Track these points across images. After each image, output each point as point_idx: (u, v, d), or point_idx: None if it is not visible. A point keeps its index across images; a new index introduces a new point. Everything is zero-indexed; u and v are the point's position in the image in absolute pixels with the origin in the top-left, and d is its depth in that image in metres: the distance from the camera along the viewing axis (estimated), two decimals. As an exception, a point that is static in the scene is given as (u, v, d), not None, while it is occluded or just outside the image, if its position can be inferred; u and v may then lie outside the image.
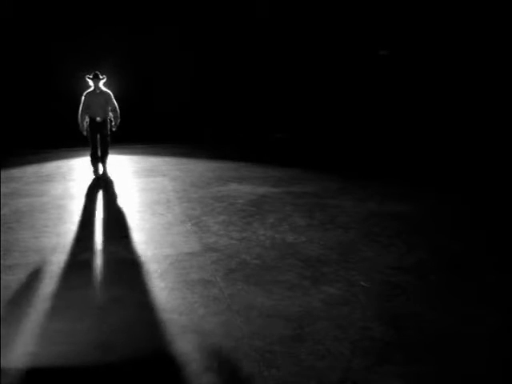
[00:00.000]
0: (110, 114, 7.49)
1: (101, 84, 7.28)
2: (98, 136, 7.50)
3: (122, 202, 6.03)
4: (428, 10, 12.62)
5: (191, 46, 14.26)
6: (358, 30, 13.83)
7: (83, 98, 7.29)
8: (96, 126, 7.38)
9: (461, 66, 12.38)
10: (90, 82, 7.27)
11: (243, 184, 7.07)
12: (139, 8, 13.50)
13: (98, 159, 7.60)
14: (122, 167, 8.69)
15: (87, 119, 7.43)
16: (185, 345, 2.64)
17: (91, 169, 7.72)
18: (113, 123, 7.53)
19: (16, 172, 8.24)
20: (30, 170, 8.43)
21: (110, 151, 7.88)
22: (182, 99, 14.28)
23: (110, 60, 10.99)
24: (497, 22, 11.54)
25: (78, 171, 8.26)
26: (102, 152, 7.66)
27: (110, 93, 7.40)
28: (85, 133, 7.39)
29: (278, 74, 14.50)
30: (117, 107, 7.45)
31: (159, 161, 9.54)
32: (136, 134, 11.84)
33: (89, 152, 7.71)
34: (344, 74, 14.25)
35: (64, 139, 11.45)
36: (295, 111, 14.40)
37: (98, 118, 7.33)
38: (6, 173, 8.08)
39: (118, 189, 6.88)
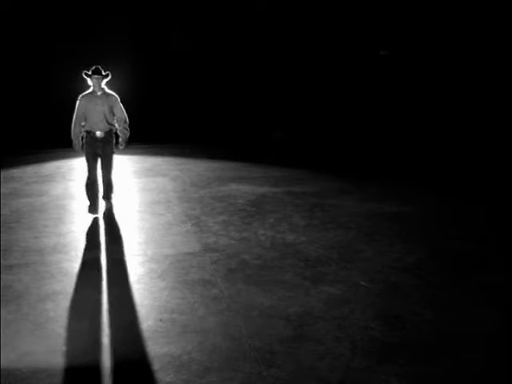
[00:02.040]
0: (116, 125, 5.39)
1: (103, 83, 5.22)
2: (99, 158, 5.35)
3: (122, 202, 6.02)
4: (428, 10, 12.62)
5: (190, 44, 14.24)
6: (358, 29, 13.82)
7: (78, 102, 5.24)
8: (95, 145, 5.22)
9: (461, 65, 12.38)
10: (89, 81, 5.19)
11: (243, 184, 7.07)
12: (139, 8, 13.50)
13: (97, 190, 5.43)
14: (122, 167, 8.69)
15: (84, 133, 5.31)
16: (185, 344, 2.64)
17: (86, 203, 5.41)
18: (120, 139, 5.40)
19: (16, 172, 8.24)
20: (30, 170, 8.43)
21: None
22: (181, 99, 14.27)
23: (110, 58, 10.97)
24: (497, 22, 11.54)
25: (77, 171, 8.26)
26: (104, 181, 5.47)
27: (117, 96, 5.33)
28: (80, 151, 5.36)
29: (277, 73, 14.49)
30: (126, 117, 5.37)
31: (159, 161, 9.54)
32: (135, 133, 11.82)
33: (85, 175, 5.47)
34: (344, 74, 14.25)
35: (64, 139, 11.43)
36: (295, 111, 14.39)
37: (99, 133, 5.20)
38: (5, 173, 8.08)
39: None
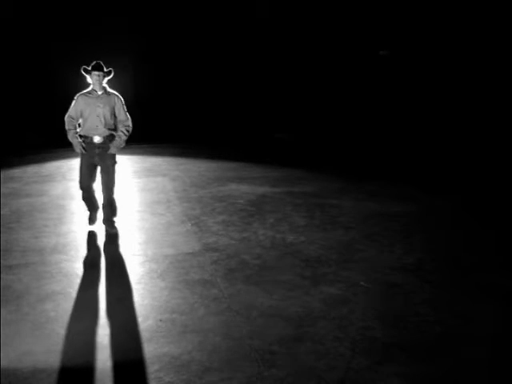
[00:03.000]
0: (118, 129, 4.60)
1: (105, 81, 4.52)
2: (95, 169, 4.61)
3: (122, 202, 6.02)
4: (428, 10, 12.62)
5: (191, 45, 14.26)
6: (358, 30, 13.83)
7: (74, 102, 4.51)
8: (92, 152, 4.49)
9: (461, 65, 12.38)
10: (89, 78, 4.46)
11: (243, 184, 7.06)
12: (140, 9, 13.50)
13: (96, 202, 4.78)
14: (122, 167, 8.69)
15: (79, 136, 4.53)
16: (185, 344, 2.64)
17: (86, 213, 4.89)
18: (114, 140, 4.54)
19: (16, 172, 8.24)
20: (30, 170, 8.43)
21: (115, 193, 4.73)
22: (182, 99, 14.28)
23: (110, 57, 10.95)
24: (497, 21, 11.54)
25: (78, 171, 8.25)
26: (104, 200, 4.67)
27: (120, 96, 4.62)
28: (79, 150, 4.52)
29: (277, 74, 14.49)
30: (129, 119, 4.62)
31: (159, 161, 9.53)
32: (135, 133, 11.81)
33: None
34: (344, 75, 14.25)
35: (64, 139, 11.43)
36: (295, 111, 14.40)
37: (98, 138, 4.46)
38: (5, 173, 8.08)
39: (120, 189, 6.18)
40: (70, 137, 4.52)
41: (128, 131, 4.61)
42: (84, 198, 4.70)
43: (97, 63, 4.44)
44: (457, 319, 2.94)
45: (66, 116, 4.51)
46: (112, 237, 4.59)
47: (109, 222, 4.74)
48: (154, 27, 13.76)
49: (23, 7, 12.77)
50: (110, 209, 4.71)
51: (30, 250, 4.22)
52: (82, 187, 4.62)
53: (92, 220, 4.84)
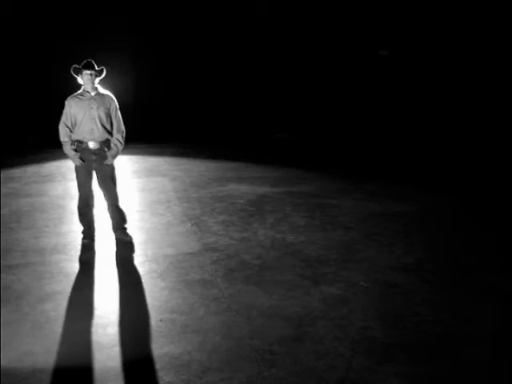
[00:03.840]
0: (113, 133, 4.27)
1: (97, 81, 4.17)
2: (93, 175, 4.32)
3: (122, 202, 6.02)
4: (428, 10, 12.62)
5: (191, 45, 14.26)
6: (358, 29, 13.83)
7: (65, 105, 4.17)
8: (88, 159, 4.21)
9: (461, 65, 12.38)
10: (79, 79, 4.14)
11: (243, 184, 7.06)
12: (140, 8, 13.51)
13: (92, 215, 4.43)
14: (122, 167, 8.68)
15: (74, 144, 4.22)
16: (185, 344, 2.64)
17: (81, 228, 4.52)
18: (109, 152, 4.23)
19: (16, 172, 8.24)
20: (30, 170, 8.42)
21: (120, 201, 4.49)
22: (182, 99, 14.28)
23: (110, 58, 10.96)
24: (497, 21, 11.54)
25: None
26: (109, 210, 4.42)
27: (114, 97, 4.29)
28: (78, 162, 4.21)
29: (277, 74, 14.50)
30: (122, 125, 4.31)
31: (159, 161, 9.53)
32: (135, 133, 11.81)
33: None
34: (344, 74, 14.25)
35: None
36: (295, 111, 14.40)
37: (93, 144, 4.15)
38: (5, 173, 8.08)
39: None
40: (67, 150, 4.19)
41: (123, 137, 4.30)
42: (80, 209, 4.37)
43: (88, 61, 4.09)
44: (457, 319, 2.94)
45: (60, 125, 4.17)
46: (112, 237, 4.58)
47: (120, 230, 4.45)
48: (154, 27, 13.75)
49: (23, 7, 12.76)
50: (119, 216, 4.42)
51: (30, 249, 4.23)
52: (81, 195, 4.33)
53: (90, 235, 4.47)
